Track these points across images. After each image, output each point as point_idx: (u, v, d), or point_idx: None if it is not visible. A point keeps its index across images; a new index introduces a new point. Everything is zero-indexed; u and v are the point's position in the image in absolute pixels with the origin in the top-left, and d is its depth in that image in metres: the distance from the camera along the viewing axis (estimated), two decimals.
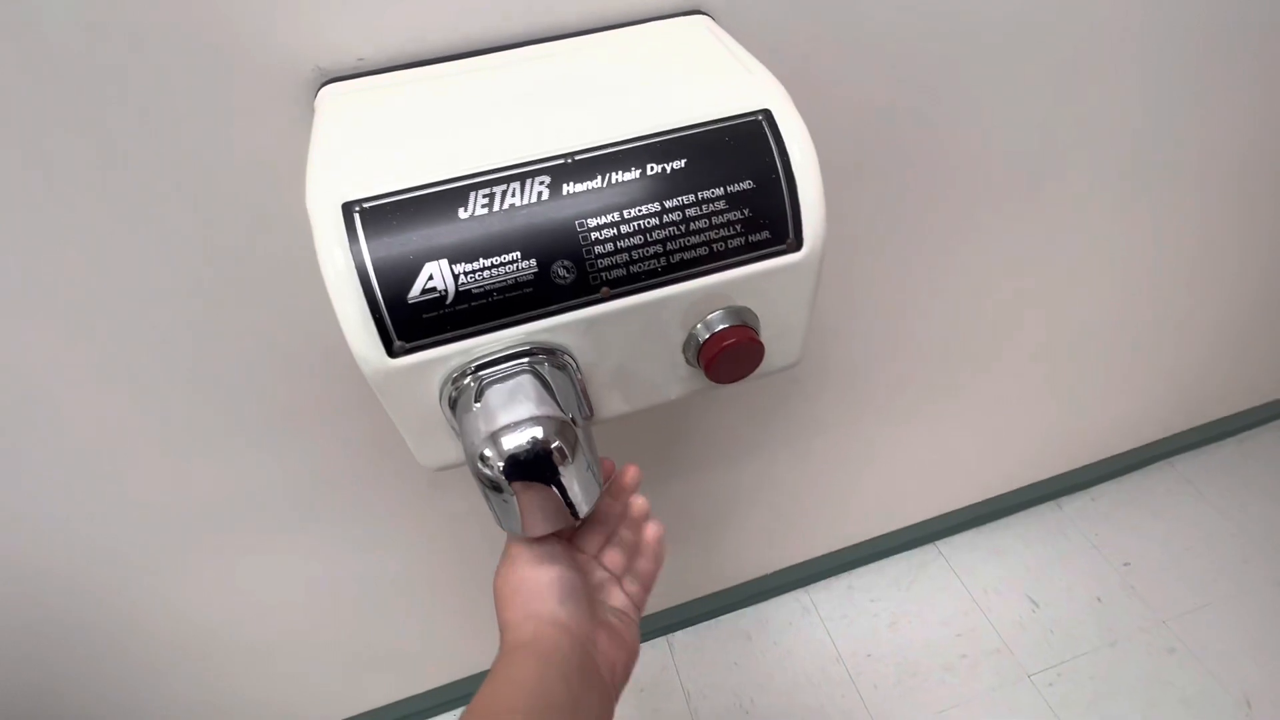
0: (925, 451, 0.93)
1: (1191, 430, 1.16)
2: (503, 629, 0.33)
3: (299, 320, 0.46)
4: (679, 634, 1.04)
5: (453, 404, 0.31)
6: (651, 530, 0.39)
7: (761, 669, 1.00)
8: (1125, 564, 1.06)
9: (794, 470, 0.86)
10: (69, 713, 0.73)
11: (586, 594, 0.35)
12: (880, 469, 0.93)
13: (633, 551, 0.39)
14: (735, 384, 0.36)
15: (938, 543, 1.11)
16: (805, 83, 0.42)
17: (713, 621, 1.05)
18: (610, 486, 0.40)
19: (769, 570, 1.04)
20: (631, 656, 0.35)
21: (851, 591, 1.07)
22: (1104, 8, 0.51)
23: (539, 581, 0.33)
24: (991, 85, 0.53)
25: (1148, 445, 1.14)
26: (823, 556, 1.05)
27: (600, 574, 0.38)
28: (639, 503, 0.40)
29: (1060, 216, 0.68)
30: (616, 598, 0.37)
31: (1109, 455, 1.12)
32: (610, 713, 0.33)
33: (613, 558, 0.39)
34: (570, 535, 0.39)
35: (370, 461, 0.59)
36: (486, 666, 0.32)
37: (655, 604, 1.00)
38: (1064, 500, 1.15)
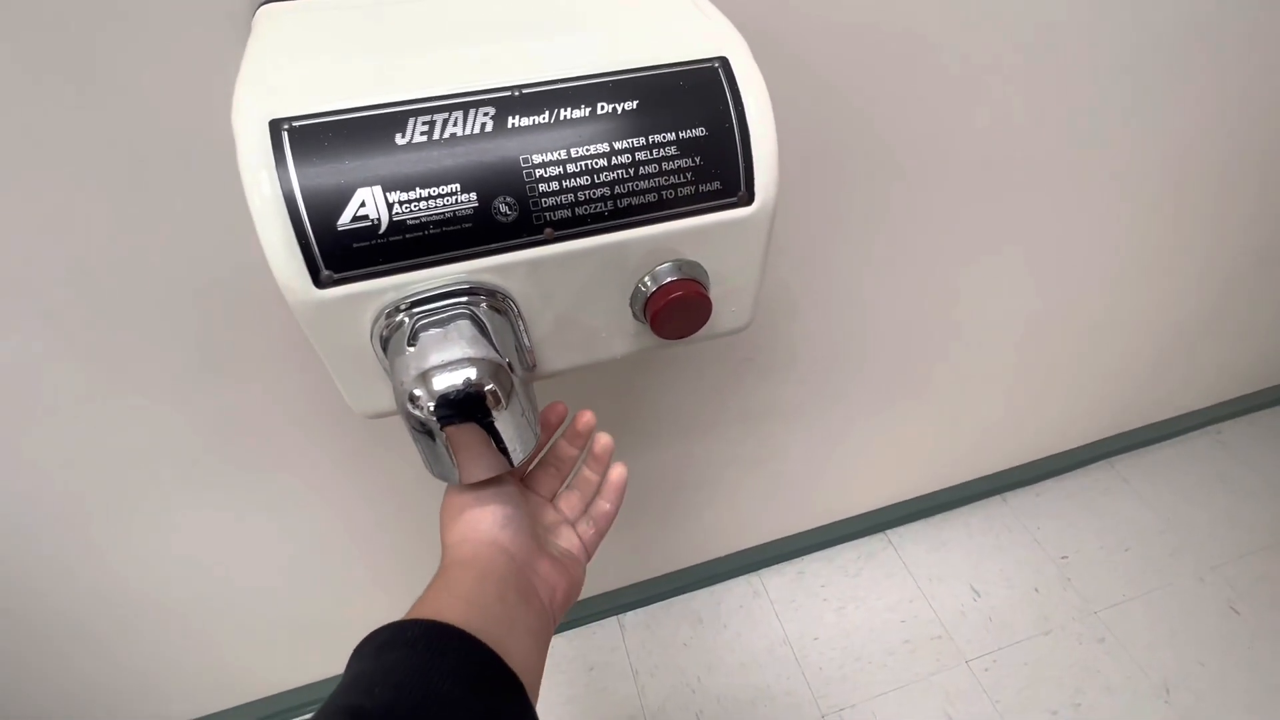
0: (879, 441, 0.95)
1: (1131, 432, 1.20)
2: (443, 550, 0.33)
3: (227, 255, 0.44)
4: (630, 614, 1.04)
5: (384, 343, 0.29)
6: (616, 472, 0.40)
7: (710, 650, 1.00)
8: (1063, 557, 1.10)
9: (749, 455, 0.86)
10: None
11: (528, 522, 0.35)
12: (834, 457, 0.94)
13: (590, 493, 0.40)
14: (684, 345, 0.36)
15: (887, 532, 1.14)
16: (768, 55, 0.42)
17: (664, 603, 1.05)
18: (566, 431, 0.40)
19: (721, 554, 1.04)
20: (573, 587, 0.35)
21: (802, 577, 1.09)
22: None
23: (480, 507, 0.33)
24: (949, 74, 0.54)
25: (1090, 444, 1.18)
26: (775, 542, 1.06)
27: (552, 516, 0.38)
28: (603, 440, 0.39)
29: (1011, 212, 0.69)
30: (567, 539, 0.38)
31: (1053, 453, 1.16)
32: (548, 635, 0.33)
33: (568, 500, 0.39)
34: (523, 477, 0.39)
35: (310, 412, 0.57)
36: None
37: (607, 583, 1.00)
38: (1009, 495, 1.19)
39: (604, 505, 0.39)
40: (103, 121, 0.37)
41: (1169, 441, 1.25)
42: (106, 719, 0.82)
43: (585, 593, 1.03)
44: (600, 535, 0.39)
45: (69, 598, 0.65)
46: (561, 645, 1.01)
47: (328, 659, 0.87)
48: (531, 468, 0.40)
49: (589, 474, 0.40)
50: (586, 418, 0.39)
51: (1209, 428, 1.28)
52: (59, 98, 0.35)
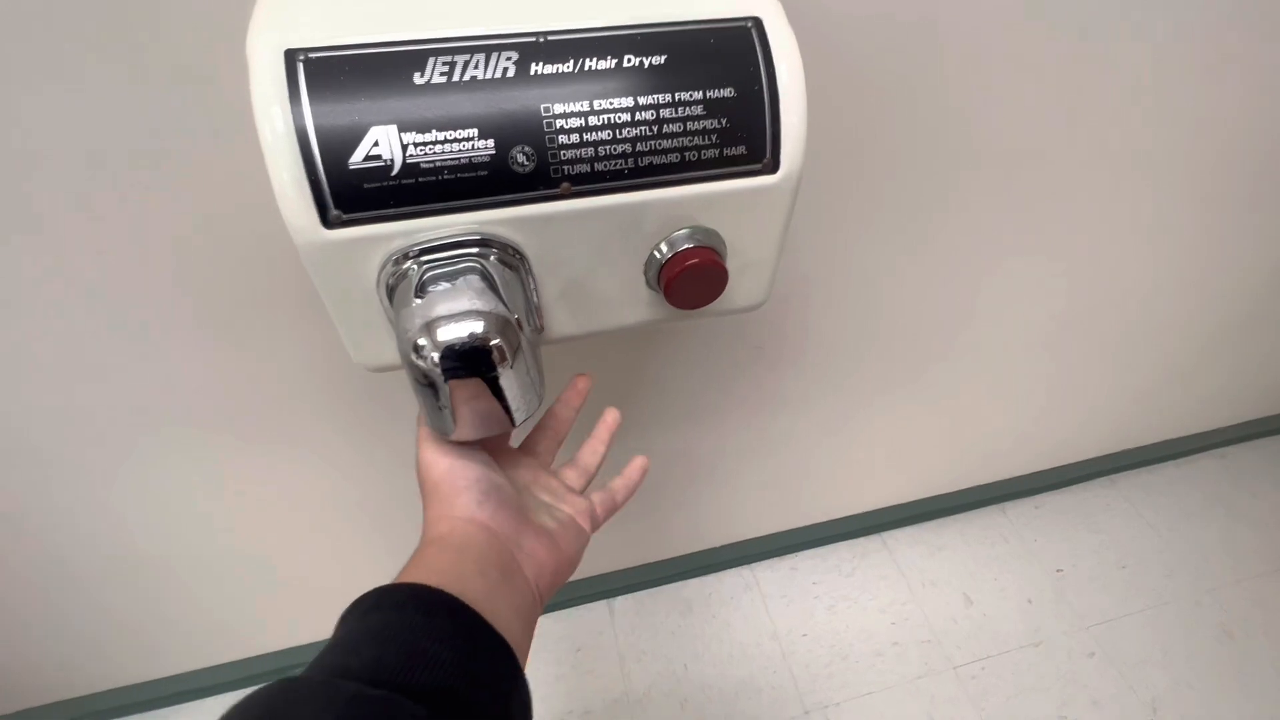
0: (882, 442, 0.94)
1: (1135, 450, 1.19)
2: (423, 526, 0.31)
3: (241, 203, 0.43)
4: (620, 599, 1.04)
5: (390, 292, 0.29)
6: (638, 463, 0.40)
7: (698, 639, 1.00)
8: (1058, 570, 1.09)
9: (751, 445, 0.86)
10: None
11: (512, 494, 0.33)
12: (837, 454, 0.93)
13: (593, 461, 0.39)
14: (697, 318, 0.35)
15: (883, 534, 1.13)
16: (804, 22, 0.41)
17: (655, 589, 1.05)
18: (563, 394, 0.39)
19: (715, 544, 1.04)
20: (563, 563, 0.34)
21: (795, 573, 1.08)
22: None
23: (453, 484, 0.31)
24: (987, 65, 0.52)
25: (1093, 460, 1.17)
26: (770, 535, 1.06)
27: (554, 484, 0.37)
28: (612, 415, 0.40)
29: (1033, 220, 0.68)
30: (573, 504, 0.36)
31: (1056, 466, 1.15)
32: (533, 613, 0.31)
33: (573, 470, 0.39)
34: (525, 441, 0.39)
35: (327, 377, 0.56)
36: None
37: (599, 566, 1.00)
38: (1008, 505, 1.18)
39: (621, 494, 0.39)
40: (117, 56, 0.36)
41: (1173, 462, 1.24)
42: (107, 668, 0.82)
43: (576, 574, 1.02)
44: (613, 511, 0.38)
45: (69, 549, 0.65)
46: (550, 625, 1.00)
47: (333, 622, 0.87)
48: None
49: (595, 445, 0.40)
50: (584, 383, 0.39)
51: (1215, 450, 1.26)
52: (73, 29, 0.35)
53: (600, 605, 1.03)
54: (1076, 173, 0.65)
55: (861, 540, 1.12)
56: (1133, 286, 0.82)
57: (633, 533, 0.95)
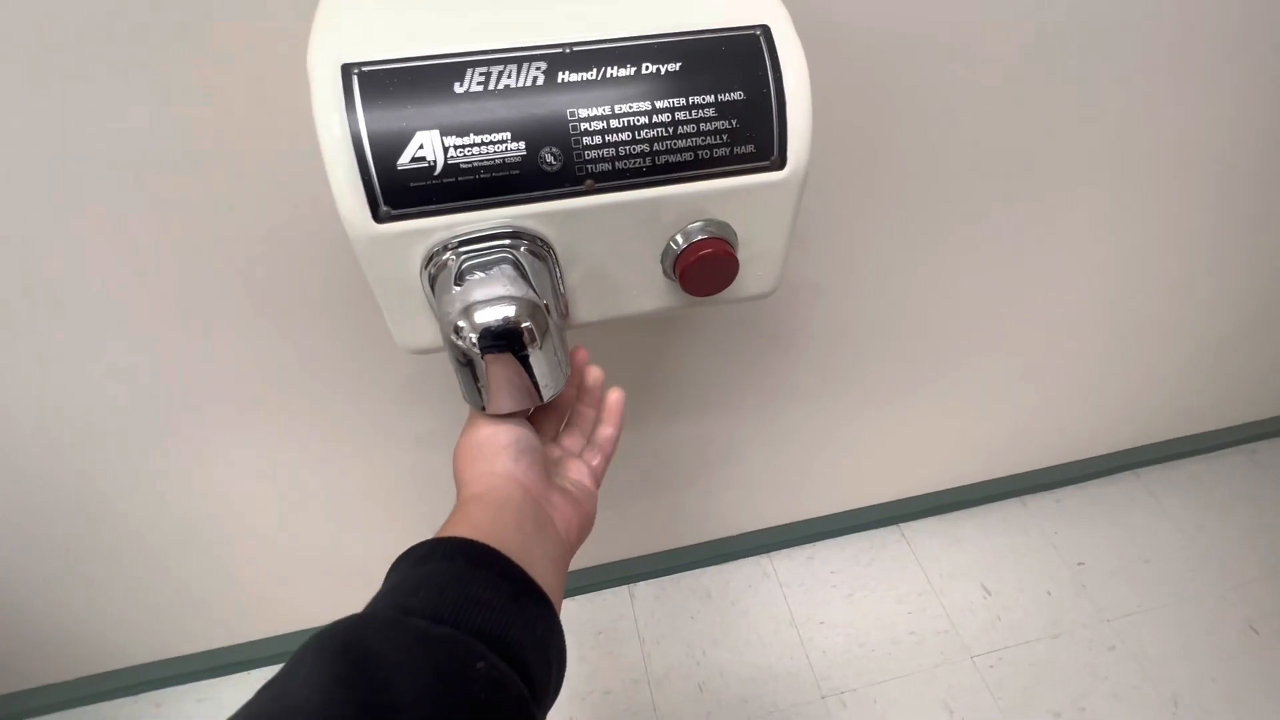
0: (900, 434, 0.95)
1: (1161, 444, 1.18)
2: (458, 487, 0.34)
3: (295, 199, 0.47)
4: (641, 584, 1.07)
5: (432, 280, 0.32)
6: (613, 395, 0.40)
7: (717, 625, 1.03)
8: (1079, 563, 1.09)
9: (768, 435, 0.88)
10: (24, 593, 0.75)
11: (542, 457, 0.36)
12: (854, 445, 0.95)
13: (589, 427, 0.41)
14: (711, 305, 0.38)
15: (901, 525, 1.14)
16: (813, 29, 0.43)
17: (675, 576, 1.08)
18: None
19: (734, 532, 1.06)
20: (586, 521, 0.36)
21: (812, 562, 1.10)
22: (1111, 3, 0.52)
23: (495, 443, 0.34)
24: (990, 73, 0.54)
25: (1116, 453, 1.16)
26: (788, 525, 1.08)
27: (557, 452, 0.39)
28: (595, 373, 0.40)
29: (1055, 208, 0.69)
30: (576, 470, 0.38)
31: (1078, 459, 1.15)
32: (565, 562, 0.34)
33: (569, 437, 0.40)
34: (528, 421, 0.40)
35: (365, 358, 0.60)
36: None
37: (620, 552, 1.02)
38: (1029, 498, 1.18)
39: (606, 430, 0.40)
40: (186, 68, 0.40)
41: (1200, 456, 1.23)
42: (141, 640, 0.88)
43: (598, 559, 1.04)
44: (606, 460, 0.40)
45: (111, 524, 0.69)
46: (572, 608, 1.04)
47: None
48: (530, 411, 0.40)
49: (585, 410, 0.41)
50: (581, 354, 0.40)
51: (1244, 445, 1.24)
52: (146, 39, 0.38)
53: (621, 590, 1.06)
54: (1091, 169, 0.65)
55: (879, 531, 1.13)
56: (1155, 279, 0.82)
57: (652, 520, 0.97)
